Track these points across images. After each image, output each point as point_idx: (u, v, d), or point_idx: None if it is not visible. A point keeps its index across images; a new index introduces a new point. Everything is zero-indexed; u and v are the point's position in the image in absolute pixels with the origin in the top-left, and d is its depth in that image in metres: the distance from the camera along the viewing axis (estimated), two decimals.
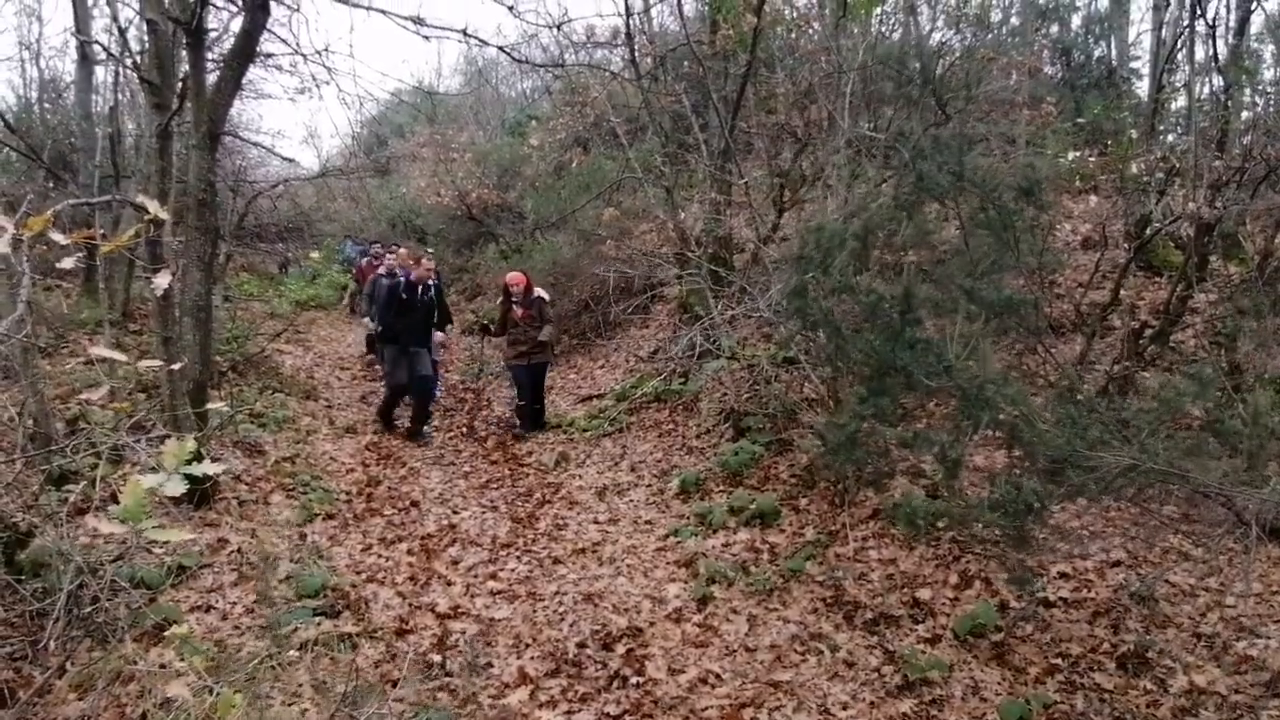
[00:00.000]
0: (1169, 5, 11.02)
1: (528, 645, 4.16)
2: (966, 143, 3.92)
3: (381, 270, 10.71)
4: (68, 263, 1.62)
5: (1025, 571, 3.51)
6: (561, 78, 13.13)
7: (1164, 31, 10.84)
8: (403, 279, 8.69)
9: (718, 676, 3.85)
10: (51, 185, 11.20)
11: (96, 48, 11.40)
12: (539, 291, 8.59)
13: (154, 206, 1.63)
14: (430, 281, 8.71)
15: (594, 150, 13.30)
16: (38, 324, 8.27)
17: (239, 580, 4.59)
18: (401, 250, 12.16)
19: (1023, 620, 4.06)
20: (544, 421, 8.71)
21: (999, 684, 3.64)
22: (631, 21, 8.62)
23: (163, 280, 1.89)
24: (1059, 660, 3.75)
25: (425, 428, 8.59)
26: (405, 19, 6.21)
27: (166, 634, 3.50)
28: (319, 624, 4.06)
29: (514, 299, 8.36)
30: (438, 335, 8.96)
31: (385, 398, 8.76)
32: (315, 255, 17.89)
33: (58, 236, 1.47)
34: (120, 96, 12.41)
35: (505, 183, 16.11)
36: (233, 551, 4.92)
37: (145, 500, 1.34)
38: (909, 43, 9.56)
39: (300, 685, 3.47)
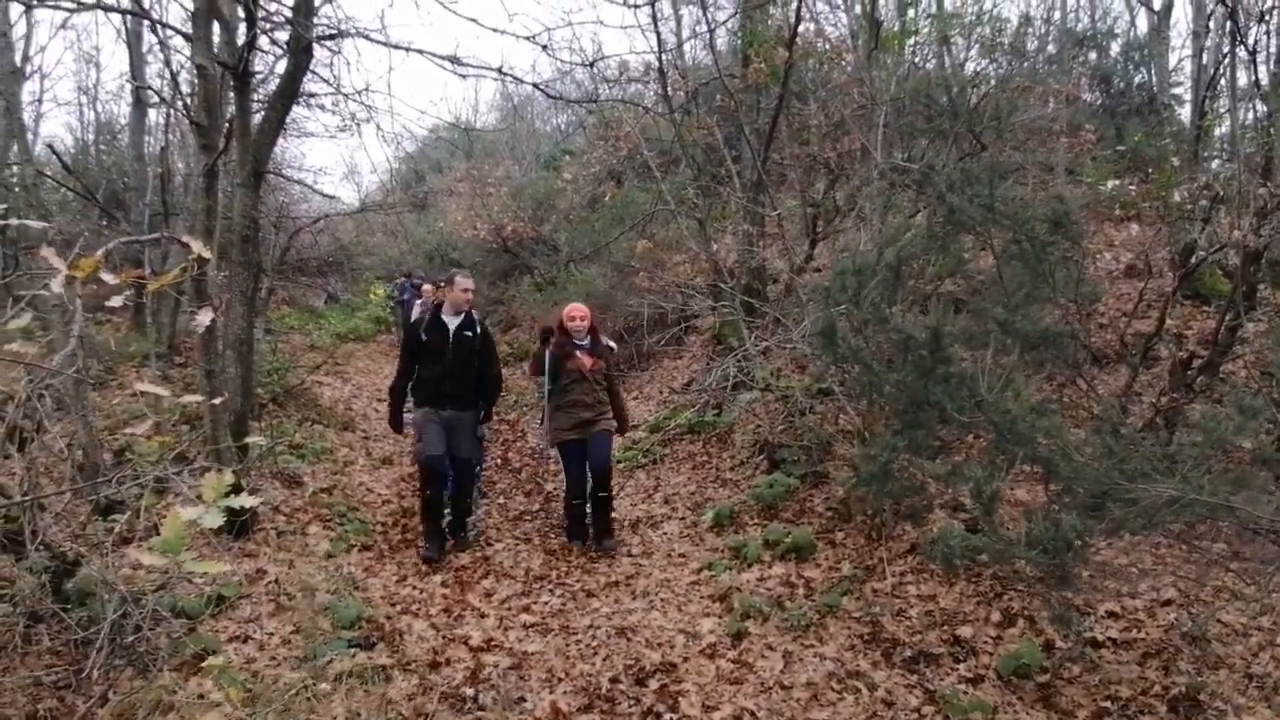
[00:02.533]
0: (1209, 32, 10.90)
1: (560, 679, 4.13)
2: (998, 174, 3.90)
3: (415, 307, 10.82)
4: (115, 301, 1.68)
5: (1068, 610, 3.41)
6: (595, 113, 13.33)
7: (1205, 58, 10.72)
8: (426, 311, 6.45)
9: (753, 714, 3.78)
10: (105, 223, 11.59)
11: (150, 92, 11.83)
12: (606, 339, 6.26)
13: (198, 245, 1.69)
14: (466, 312, 6.04)
15: (627, 183, 13.45)
16: (88, 358, 8.53)
17: (276, 611, 4.64)
18: (426, 286, 11.97)
19: (1070, 661, 3.93)
20: (610, 528, 6.04)
21: None
22: (664, 57, 8.75)
23: (205, 317, 1.95)
24: (1108, 703, 3.62)
25: (470, 518, 6.33)
26: (443, 59, 6.36)
27: (205, 664, 3.54)
28: (354, 655, 4.08)
29: (576, 341, 5.94)
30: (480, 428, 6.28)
31: (421, 487, 5.96)
32: (380, 291, 18.10)
33: (108, 277, 1.53)
34: (171, 138, 12.88)
35: (540, 216, 16.34)
36: (270, 582, 4.98)
37: (185, 532, 1.37)
38: (942, 73, 9.56)
39: (335, 717, 3.49)
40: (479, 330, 5.92)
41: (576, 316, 5.95)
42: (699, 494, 6.97)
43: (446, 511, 6.05)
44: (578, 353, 5.85)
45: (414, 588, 5.35)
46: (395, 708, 3.69)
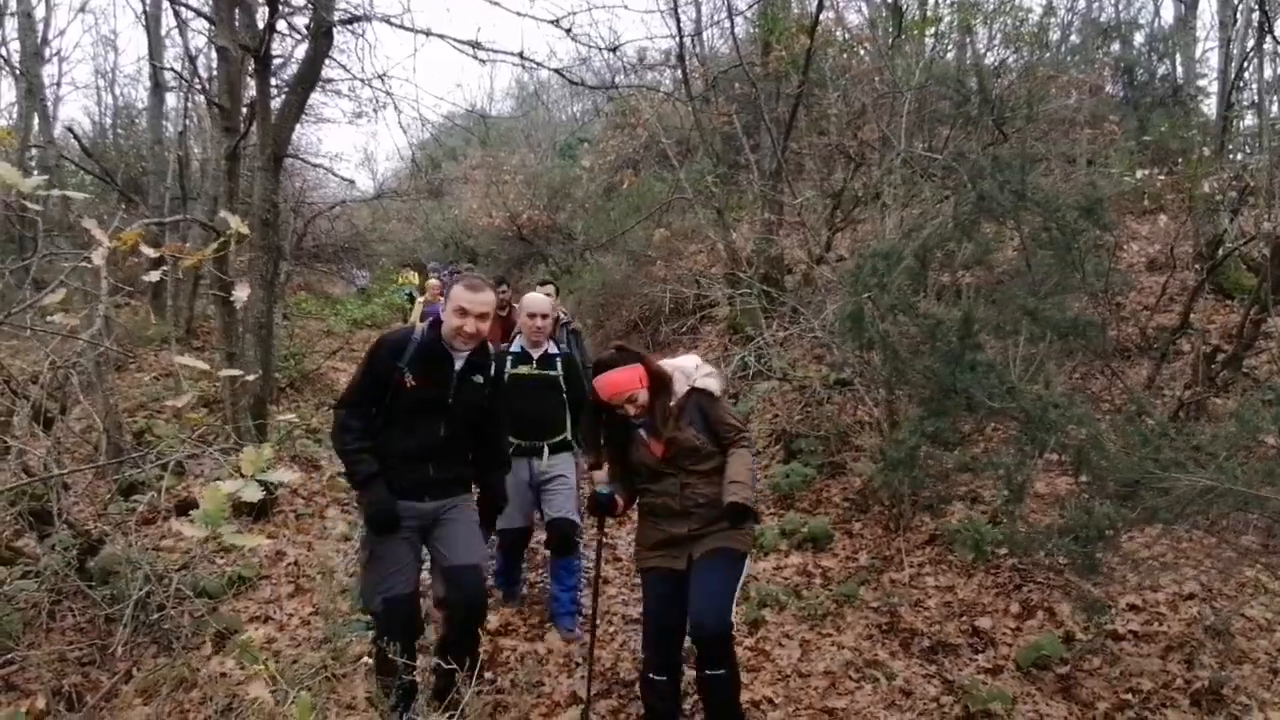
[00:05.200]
0: (1236, 22, 10.74)
1: (578, 664, 4.14)
2: (1027, 161, 3.86)
3: (416, 306, 10.26)
4: (153, 275, 1.69)
5: (1096, 600, 3.38)
6: (614, 99, 13.28)
7: (1231, 48, 10.56)
8: (415, 338, 3.34)
9: (770, 701, 3.78)
10: (124, 207, 11.67)
11: (168, 75, 11.88)
12: (686, 371, 3.42)
13: (236, 222, 1.69)
14: (517, 347, 4.37)
15: (644, 171, 13.41)
16: (112, 339, 8.60)
17: (295, 592, 4.67)
18: (432, 281, 11.13)
19: (1090, 653, 3.91)
20: None
21: (1065, 719, 3.51)
22: (684, 44, 8.70)
23: (241, 293, 1.95)
24: (1129, 695, 3.60)
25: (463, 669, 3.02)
26: (464, 44, 6.35)
27: (228, 643, 3.58)
28: (372, 637, 4.10)
29: (631, 415, 3.31)
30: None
31: (376, 637, 3.27)
32: (414, 277, 17.75)
33: (148, 250, 1.53)
34: (188, 122, 12.94)
35: (556, 204, 16.32)
36: (290, 564, 5.02)
37: (225, 505, 1.38)
38: (965, 62, 9.47)
39: (355, 698, 3.51)
40: (494, 370, 3.44)
41: (619, 389, 3.24)
42: None
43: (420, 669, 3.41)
44: (640, 432, 3.30)
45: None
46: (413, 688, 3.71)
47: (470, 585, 3.37)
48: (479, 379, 3.36)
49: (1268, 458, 3.23)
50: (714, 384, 3.42)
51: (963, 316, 2.95)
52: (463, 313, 3.15)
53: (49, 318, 1.71)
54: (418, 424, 3.24)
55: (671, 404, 3.29)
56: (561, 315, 4.75)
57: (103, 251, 1.45)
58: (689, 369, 3.41)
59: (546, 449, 4.42)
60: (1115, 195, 8.11)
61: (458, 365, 3.28)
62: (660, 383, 3.32)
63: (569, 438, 4.48)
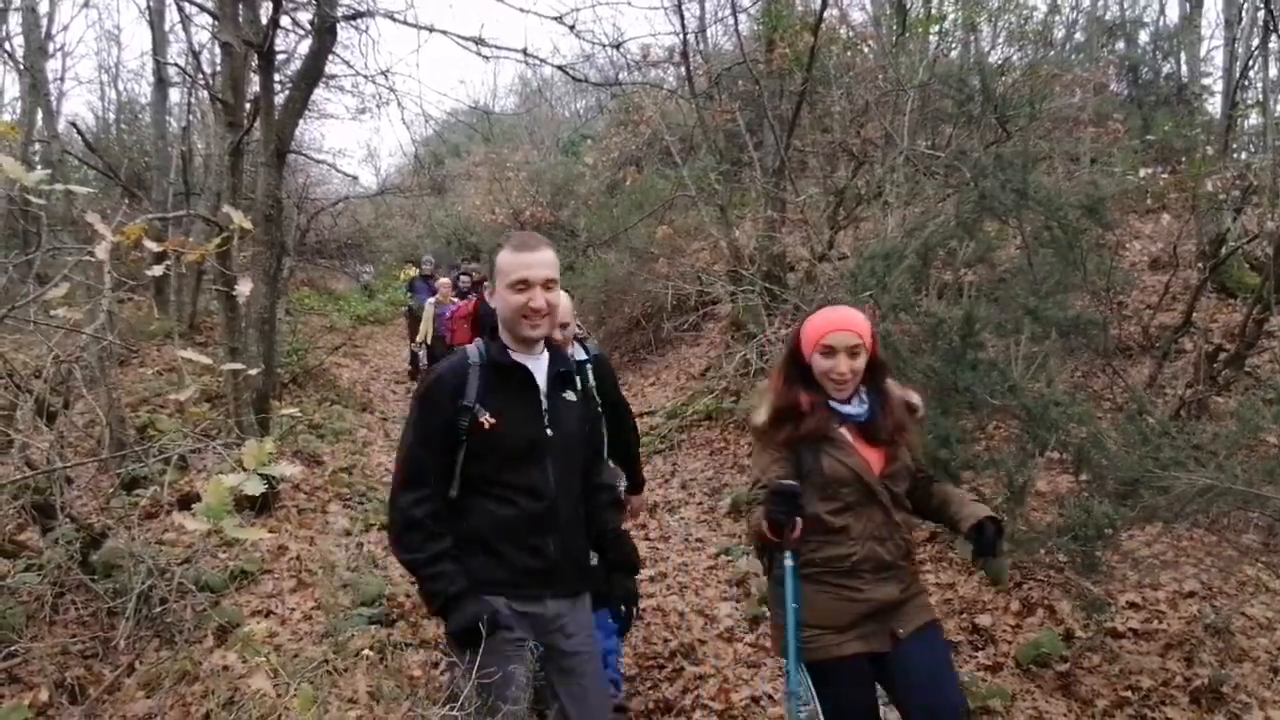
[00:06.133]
0: (1241, 21, 10.72)
1: None
2: (1030, 160, 3.86)
3: (427, 305, 9.87)
4: (156, 270, 1.69)
5: (1094, 598, 3.38)
6: (617, 96, 13.27)
7: (1237, 47, 10.53)
8: (475, 360, 2.34)
9: (770, 698, 3.79)
10: (127, 202, 11.69)
11: (172, 70, 11.89)
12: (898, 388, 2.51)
13: (239, 217, 1.70)
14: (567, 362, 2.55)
15: (647, 168, 13.39)
16: (115, 334, 8.61)
17: (298, 587, 4.68)
18: (444, 280, 10.71)
19: (1090, 650, 3.91)
20: None
21: (1064, 716, 3.51)
22: (687, 40, 8.69)
23: (245, 287, 1.95)
24: (1129, 693, 3.60)
25: None
26: (467, 39, 6.34)
27: (230, 636, 3.59)
28: (374, 632, 4.12)
29: (838, 381, 2.31)
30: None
31: None
32: (414, 271, 17.52)
33: (151, 245, 1.54)
34: (192, 117, 12.95)
35: (559, 201, 16.31)
36: (292, 559, 5.03)
37: (227, 499, 1.39)
38: (969, 60, 9.45)
39: (357, 692, 3.52)
40: (591, 377, 2.94)
41: (846, 325, 2.32)
42: (716, 480, 6.97)
43: None
44: (842, 429, 2.34)
45: None
46: (416, 683, 3.72)
47: None
48: (570, 395, 2.40)
49: (1269, 456, 3.23)
50: (918, 399, 2.47)
51: (964, 315, 2.95)
52: (523, 285, 2.22)
53: (52, 312, 1.71)
54: (517, 481, 2.23)
55: (891, 401, 2.36)
56: (576, 328, 3.73)
57: (106, 246, 1.45)
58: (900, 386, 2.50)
59: None
60: (1118, 194, 8.10)
61: (541, 380, 2.31)
62: (881, 362, 2.40)
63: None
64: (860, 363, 2.28)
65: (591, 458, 2.56)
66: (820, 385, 2.32)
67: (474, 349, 2.34)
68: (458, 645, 2.14)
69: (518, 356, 2.29)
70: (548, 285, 2.24)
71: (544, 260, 2.25)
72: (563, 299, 2.82)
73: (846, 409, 2.31)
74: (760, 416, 2.39)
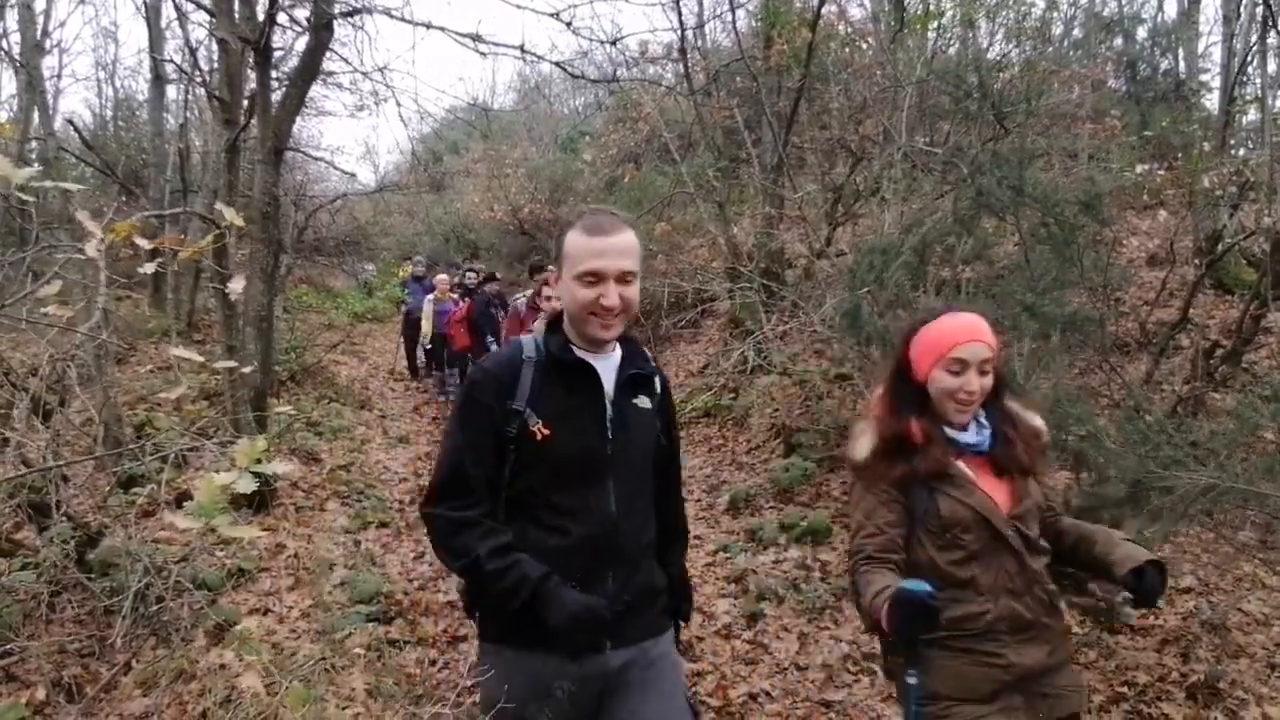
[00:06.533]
0: (1239, 17, 10.71)
1: None
2: (1026, 157, 3.85)
3: (426, 303, 9.85)
4: (149, 267, 1.69)
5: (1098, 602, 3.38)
6: (615, 93, 13.26)
7: (1235, 43, 10.53)
8: (530, 354, 1.95)
9: (768, 694, 3.79)
10: (124, 199, 11.67)
11: (169, 67, 11.87)
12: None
13: (231, 214, 1.69)
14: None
15: (646, 165, 13.39)
16: (111, 332, 8.59)
17: (295, 585, 4.68)
18: (441, 277, 10.60)
19: (1086, 646, 3.92)
20: None
21: None
22: (685, 37, 8.68)
23: (237, 285, 1.95)
24: (1125, 689, 3.61)
25: None
26: (464, 36, 6.32)
27: (227, 635, 3.59)
28: (372, 630, 4.12)
29: (960, 400, 1.94)
30: None
31: None
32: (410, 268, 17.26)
33: (141, 242, 1.54)
34: (189, 114, 12.93)
35: (557, 198, 16.31)
36: (289, 556, 5.03)
37: (220, 497, 1.38)
38: (967, 56, 9.44)
39: (354, 690, 3.52)
40: (660, 385, 2.13)
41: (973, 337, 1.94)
42: (715, 477, 6.98)
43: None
44: (959, 462, 1.97)
45: (431, 564, 5.38)
46: (413, 680, 3.72)
47: None
48: (644, 401, 2.00)
49: (1267, 454, 3.23)
50: (1041, 423, 2.08)
51: None
52: (594, 278, 1.81)
53: (43, 310, 1.70)
54: (570, 503, 1.87)
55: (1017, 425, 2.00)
56: None
57: (95, 243, 1.45)
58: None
59: None
60: (1115, 190, 8.10)
61: (609, 382, 1.93)
62: (1004, 378, 2.06)
63: None
64: (990, 380, 1.93)
65: (667, 484, 2.11)
66: (933, 408, 1.97)
67: (530, 341, 1.96)
68: (567, 635, 1.77)
69: (583, 354, 1.91)
70: (625, 279, 1.83)
71: (621, 247, 1.83)
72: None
73: (965, 437, 1.96)
74: (862, 450, 1.99)
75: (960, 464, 1.94)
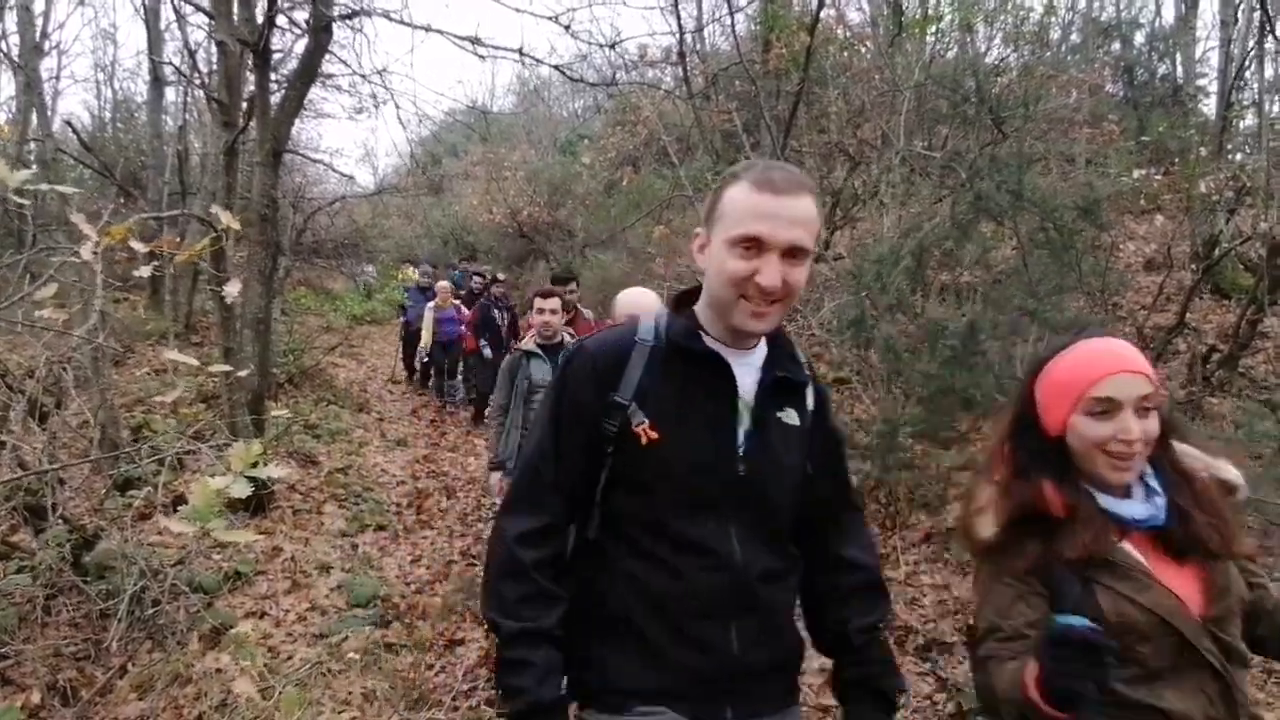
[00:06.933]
0: (1237, 22, 10.74)
1: None
2: (1024, 162, 3.86)
3: (426, 312, 9.61)
4: (144, 270, 1.68)
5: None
6: (614, 96, 13.27)
7: (1232, 48, 10.56)
8: (647, 338, 1.52)
9: None
10: (123, 201, 11.66)
11: (168, 69, 11.87)
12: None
13: (226, 217, 1.69)
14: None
15: (644, 168, 13.39)
16: (107, 334, 8.56)
17: (292, 588, 4.67)
18: (442, 283, 10.46)
19: None
20: None
21: None
22: (684, 40, 8.69)
23: (233, 289, 1.95)
24: None
25: None
26: (463, 39, 6.33)
27: (223, 638, 3.58)
28: (369, 634, 4.11)
29: (1123, 455, 1.37)
30: None
31: None
32: (412, 271, 17.03)
33: (137, 245, 1.53)
34: (188, 116, 12.94)
35: (556, 201, 16.31)
36: (286, 559, 5.02)
37: (215, 501, 1.38)
38: (965, 61, 9.46)
39: (350, 693, 3.51)
40: (816, 399, 1.61)
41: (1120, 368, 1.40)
42: None
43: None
44: (1124, 543, 1.41)
45: (428, 568, 5.37)
46: (410, 684, 3.72)
47: None
48: (791, 416, 1.55)
49: (1262, 460, 3.23)
50: (1236, 474, 1.53)
51: (968, 323, 2.95)
52: (753, 246, 1.38)
53: (40, 312, 1.70)
54: (682, 533, 1.45)
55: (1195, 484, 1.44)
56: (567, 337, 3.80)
57: (90, 246, 1.44)
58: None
59: None
60: (1113, 195, 8.12)
61: (746, 385, 1.50)
62: (1171, 422, 1.48)
63: None
64: (1154, 424, 1.38)
65: (827, 514, 1.62)
66: (1078, 468, 1.42)
67: (648, 323, 1.53)
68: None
69: (714, 344, 1.48)
70: (793, 255, 1.37)
71: (797, 213, 1.37)
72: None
73: (1129, 508, 1.40)
74: (985, 529, 1.46)
75: (1127, 545, 1.39)
